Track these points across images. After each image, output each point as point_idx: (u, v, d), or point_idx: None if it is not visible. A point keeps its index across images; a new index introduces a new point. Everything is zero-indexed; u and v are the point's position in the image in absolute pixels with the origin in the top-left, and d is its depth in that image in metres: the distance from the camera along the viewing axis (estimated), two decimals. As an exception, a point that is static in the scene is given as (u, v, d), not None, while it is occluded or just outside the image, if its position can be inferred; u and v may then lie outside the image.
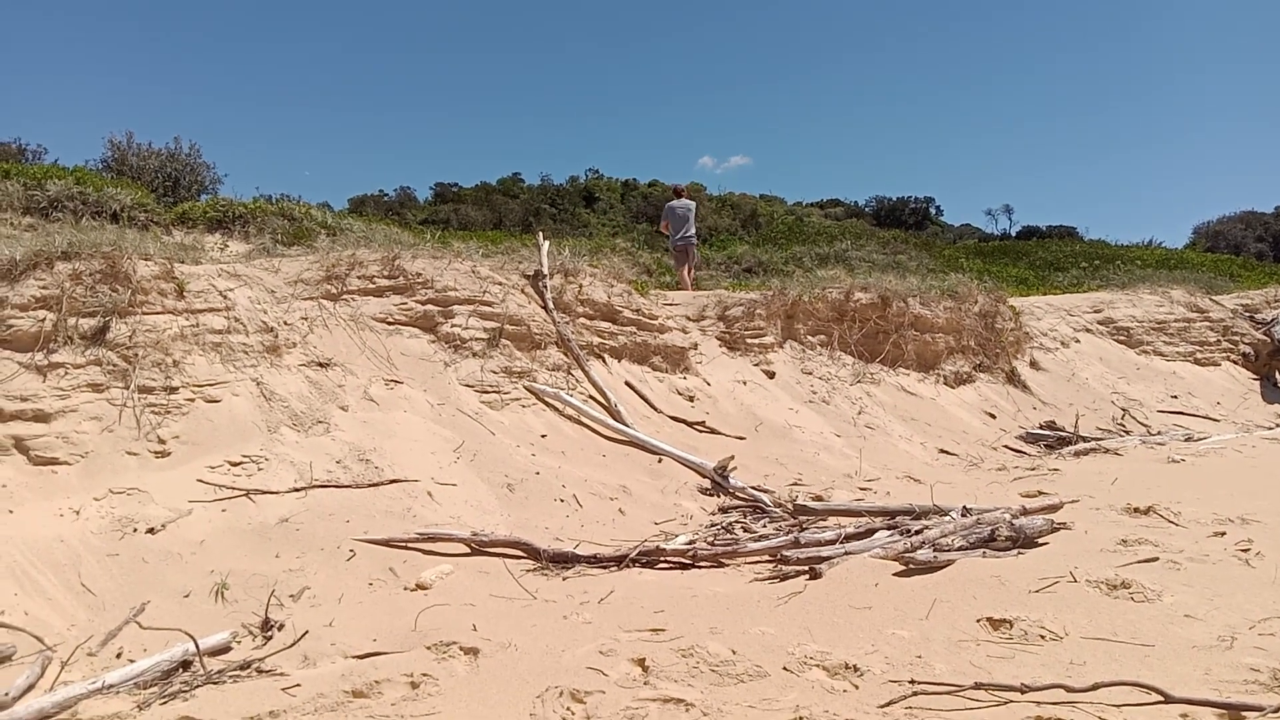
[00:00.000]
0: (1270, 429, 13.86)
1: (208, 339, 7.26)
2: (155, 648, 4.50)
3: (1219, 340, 18.25)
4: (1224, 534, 6.52)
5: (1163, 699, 3.59)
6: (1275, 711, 3.48)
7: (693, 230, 14.93)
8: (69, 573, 5.15)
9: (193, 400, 6.82)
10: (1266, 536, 6.36)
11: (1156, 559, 5.81)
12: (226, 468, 6.42)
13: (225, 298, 7.67)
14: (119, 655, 4.52)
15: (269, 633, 4.77)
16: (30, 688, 4.05)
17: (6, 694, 3.90)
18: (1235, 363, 18.06)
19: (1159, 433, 13.28)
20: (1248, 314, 19.46)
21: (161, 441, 6.45)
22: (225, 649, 4.62)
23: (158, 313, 7.15)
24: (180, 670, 4.32)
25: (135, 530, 5.59)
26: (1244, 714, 3.48)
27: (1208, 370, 17.62)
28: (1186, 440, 12.39)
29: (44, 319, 6.60)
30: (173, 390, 6.79)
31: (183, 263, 7.87)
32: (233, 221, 13.49)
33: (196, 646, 4.41)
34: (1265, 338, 18.24)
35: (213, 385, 7.01)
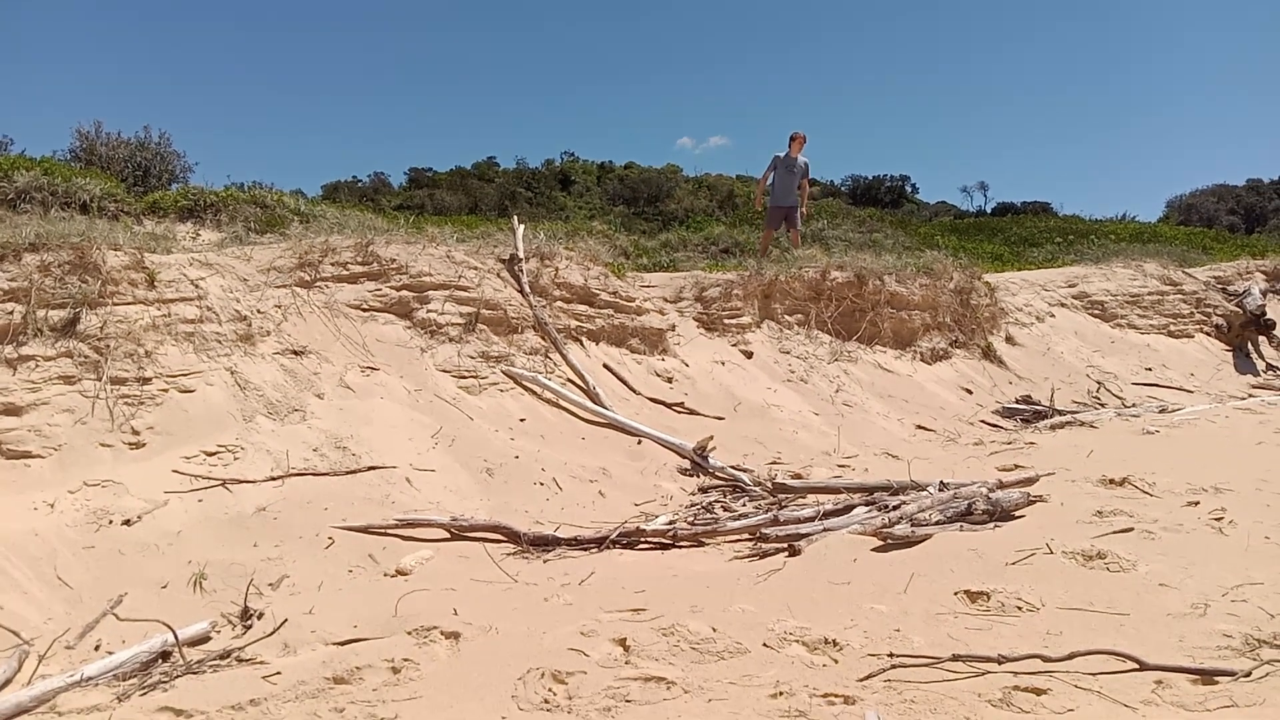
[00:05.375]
0: (1243, 399, 14.01)
1: (180, 329, 7.20)
2: (134, 639, 4.47)
3: (1192, 312, 18.40)
4: (1198, 503, 6.60)
5: (1138, 666, 3.65)
6: (1247, 676, 3.54)
7: (792, 195, 13.87)
8: (44, 566, 5.10)
9: (166, 391, 6.76)
10: (1239, 505, 6.45)
11: (1131, 529, 5.87)
12: (202, 458, 6.38)
13: (197, 287, 7.60)
14: (97, 647, 4.49)
15: (248, 622, 4.76)
16: (7, 682, 4.02)
17: (-17, 689, 3.88)
18: (1208, 334, 18.22)
19: (1133, 405, 13.39)
20: (1220, 286, 19.62)
21: (135, 433, 6.39)
22: (205, 639, 4.60)
23: (129, 303, 7.08)
24: (159, 661, 4.30)
25: (111, 522, 5.55)
26: (1217, 679, 3.53)
27: (1181, 342, 17.77)
28: (1161, 412, 12.50)
29: (12, 311, 6.52)
30: (146, 381, 6.73)
31: (154, 252, 7.79)
32: (204, 210, 13.33)
33: (175, 637, 4.39)
34: (1238, 309, 18.41)
35: (186, 375, 6.95)
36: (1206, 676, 3.55)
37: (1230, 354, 17.82)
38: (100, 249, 7.13)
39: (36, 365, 6.38)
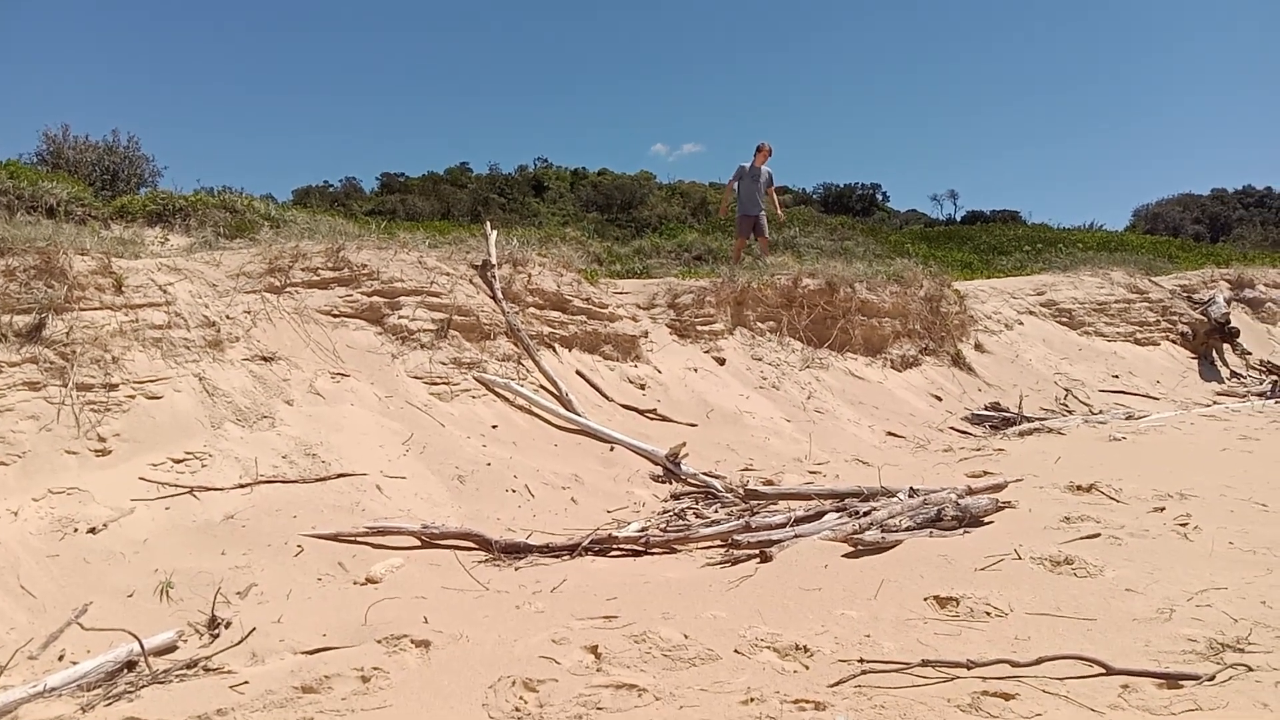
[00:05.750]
0: (1207, 406, 14.21)
1: (148, 334, 7.13)
2: (99, 649, 4.42)
3: (1158, 320, 18.63)
4: (1163, 509, 6.68)
5: (1104, 671, 3.68)
6: (1211, 680, 3.58)
7: (757, 204, 13.91)
8: (7, 575, 5.03)
9: (133, 397, 6.69)
10: (1204, 511, 6.53)
11: (1098, 535, 5.93)
12: (169, 465, 6.31)
13: (165, 292, 7.53)
14: (61, 657, 4.44)
15: (216, 631, 4.71)
16: (-32, 693, 3.95)
17: (-57, 700, 3.81)
18: (1174, 342, 18.46)
19: (1100, 412, 13.54)
20: (1185, 294, 19.88)
21: (102, 440, 6.32)
22: (171, 648, 4.56)
23: (95, 308, 7.00)
24: (125, 671, 4.26)
25: (76, 530, 5.48)
26: (1181, 683, 3.57)
27: (1147, 350, 17.99)
28: (1127, 419, 12.65)
29: (-24, 316, 6.43)
30: (112, 387, 6.65)
31: (121, 257, 7.71)
32: (173, 215, 13.20)
33: (141, 646, 4.34)
34: (1202, 317, 18.66)
35: (154, 381, 6.88)
36: (1172, 680, 3.60)
37: (1195, 361, 18.06)
38: (67, 253, 7.05)
39: (1, 371, 6.29)
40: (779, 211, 14.63)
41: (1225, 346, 18.41)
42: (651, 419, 10.17)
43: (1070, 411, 13.64)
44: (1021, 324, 17.24)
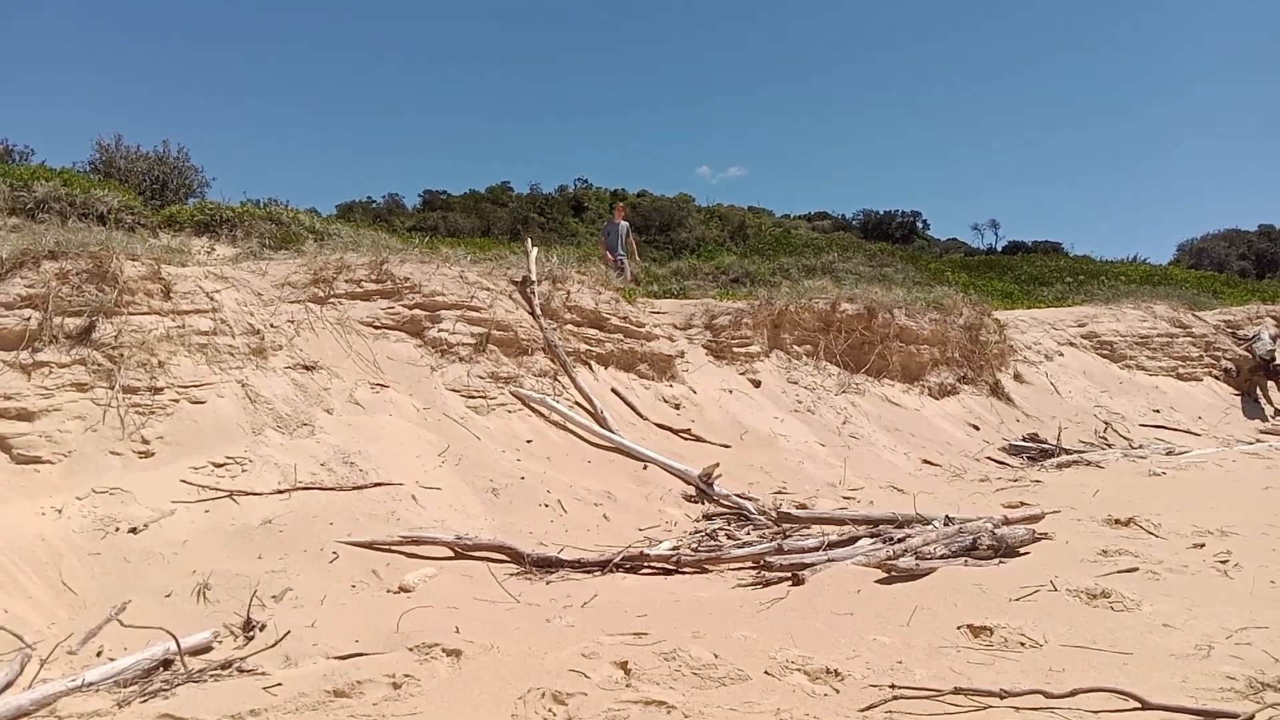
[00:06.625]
0: (1250, 444, 13.98)
1: (193, 340, 7.25)
2: (136, 646, 4.49)
3: (1201, 355, 18.38)
4: (1203, 545, 6.58)
5: (1140, 705, 3.63)
6: (1250, 719, 3.52)
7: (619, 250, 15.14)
8: (50, 571, 5.13)
9: (177, 401, 6.80)
10: (1245, 549, 6.43)
11: (1136, 569, 5.86)
12: (210, 469, 6.41)
13: (212, 299, 7.66)
14: (99, 653, 4.51)
15: (251, 633, 4.76)
16: (9, 685, 4.02)
17: (-15, 690, 3.89)
18: (1217, 378, 18.19)
19: (1140, 446, 13.36)
20: (1230, 330, 19.61)
21: (145, 442, 6.43)
22: (207, 648, 4.61)
23: (144, 313, 7.14)
24: (161, 669, 4.31)
25: (117, 530, 5.57)
26: (1219, 720, 3.51)
27: (1190, 385, 17.74)
28: (1168, 454, 12.48)
29: (29, 317, 6.58)
30: (157, 391, 6.77)
31: (169, 264, 7.85)
32: (220, 225, 13.46)
33: (178, 645, 4.40)
34: (1247, 354, 18.39)
35: (198, 386, 6.99)
36: (1209, 718, 3.54)
37: (1239, 398, 17.78)
38: (118, 258, 7.20)
39: (50, 371, 6.43)
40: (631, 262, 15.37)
41: (1270, 384, 18.11)
42: (685, 439, 10.17)
43: (1109, 445, 13.48)
44: (1062, 355, 17.08)
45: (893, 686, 3.89)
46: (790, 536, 6.87)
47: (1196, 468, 11.15)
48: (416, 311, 9.36)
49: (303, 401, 7.48)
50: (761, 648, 4.40)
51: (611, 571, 6.11)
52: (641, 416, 10.27)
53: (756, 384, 12.18)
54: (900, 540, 6.36)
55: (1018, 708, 3.66)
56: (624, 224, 15.19)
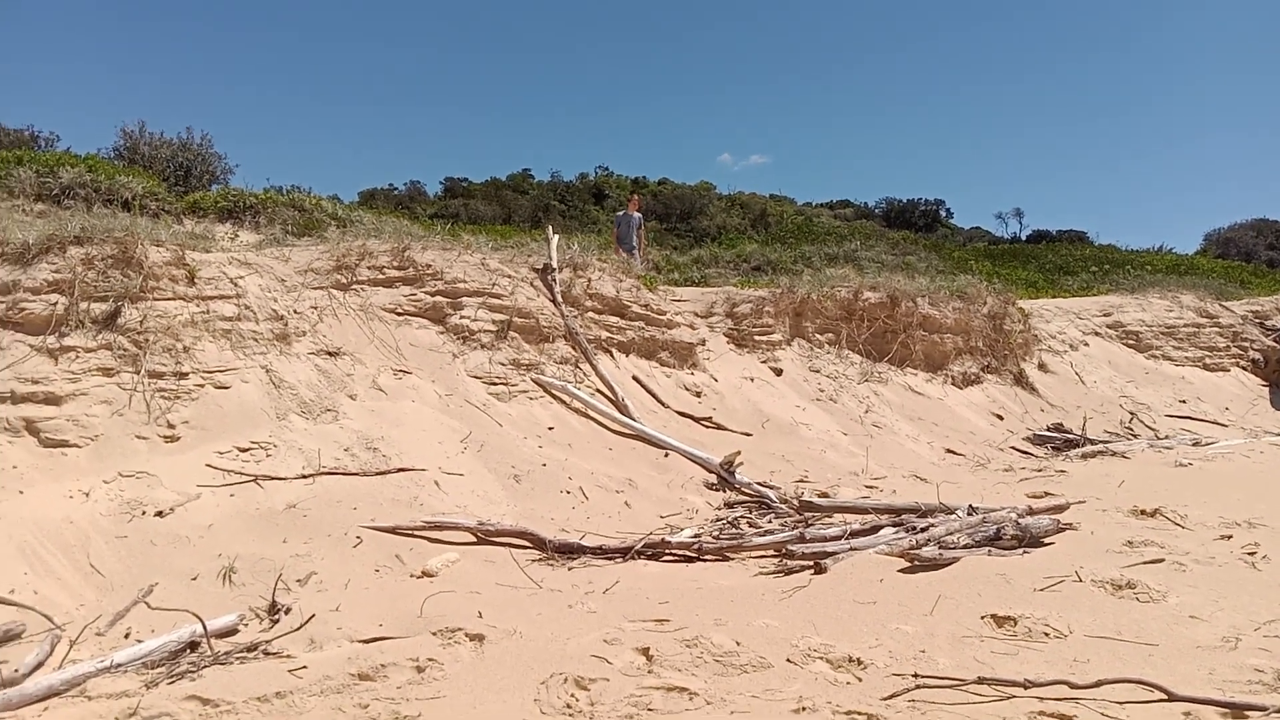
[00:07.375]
0: (1278, 435, 13.83)
1: (218, 325, 7.29)
2: (163, 628, 4.53)
3: (1228, 346, 18.19)
4: (1230, 537, 6.52)
5: (1166, 697, 3.60)
6: (1278, 711, 3.48)
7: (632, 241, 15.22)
8: (78, 553, 5.18)
9: (202, 386, 6.85)
10: (1273, 540, 6.37)
11: (1162, 560, 5.81)
12: (235, 453, 6.45)
13: (236, 285, 7.70)
14: (127, 635, 4.55)
15: (276, 616, 4.80)
16: (40, 665, 4.08)
17: (17, 670, 3.94)
18: (1245, 369, 18.01)
19: (1166, 437, 13.25)
20: (1258, 320, 19.39)
21: (171, 426, 6.48)
22: (232, 631, 4.65)
23: (169, 299, 7.19)
24: (188, 651, 4.35)
25: (144, 513, 5.63)
26: (1247, 713, 3.48)
27: (1217, 376, 17.57)
28: (1194, 445, 12.36)
29: (56, 302, 6.63)
30: (183, 376, 6.82)
31: (194, 250, 7.90)
32: (243, 211, 13.52)
33: (204, 628, 4.44)
34: (1275, 344, 18.19)
35: (223, 371, 7.04)
36: (1236, 710, 3.50)
37: (1267, 389, 17.60)
38: (143, 244, 7.25)
39: (77, 356, 6.49)
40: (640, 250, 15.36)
41: (1299, 375, 17.91)
42: (706, 427, 10.16)
43: (1135, 435, 13.37)
44: (1087, 345, 16.94)
45: (916, 675, 3.87)
46: (812, 525, 6.85)
47: (1223, 458, 11.03)
48: (438, 298, 9.38)
49: (326, 387, 7.52)
50: (783, 635, 4.39)
51: (633, 558, 6.12)
52: (663, 404, 10.26)
53: (778, 372, 12.15)
54: (923, 529, 6.34)
55: (1042, 698, 3.64)
56: (637, 215, 15.20)
